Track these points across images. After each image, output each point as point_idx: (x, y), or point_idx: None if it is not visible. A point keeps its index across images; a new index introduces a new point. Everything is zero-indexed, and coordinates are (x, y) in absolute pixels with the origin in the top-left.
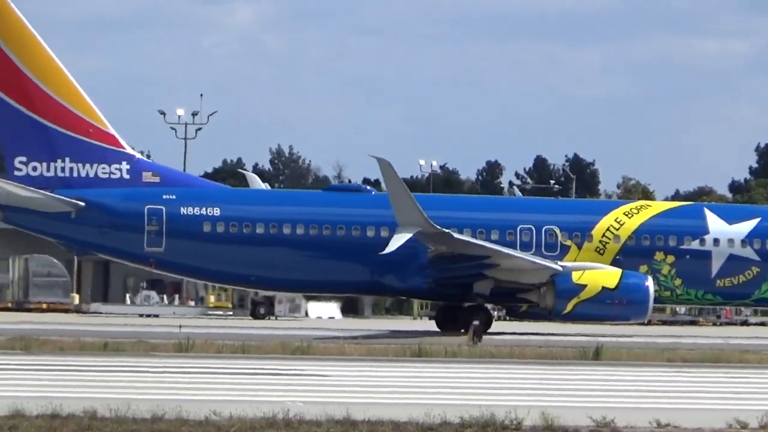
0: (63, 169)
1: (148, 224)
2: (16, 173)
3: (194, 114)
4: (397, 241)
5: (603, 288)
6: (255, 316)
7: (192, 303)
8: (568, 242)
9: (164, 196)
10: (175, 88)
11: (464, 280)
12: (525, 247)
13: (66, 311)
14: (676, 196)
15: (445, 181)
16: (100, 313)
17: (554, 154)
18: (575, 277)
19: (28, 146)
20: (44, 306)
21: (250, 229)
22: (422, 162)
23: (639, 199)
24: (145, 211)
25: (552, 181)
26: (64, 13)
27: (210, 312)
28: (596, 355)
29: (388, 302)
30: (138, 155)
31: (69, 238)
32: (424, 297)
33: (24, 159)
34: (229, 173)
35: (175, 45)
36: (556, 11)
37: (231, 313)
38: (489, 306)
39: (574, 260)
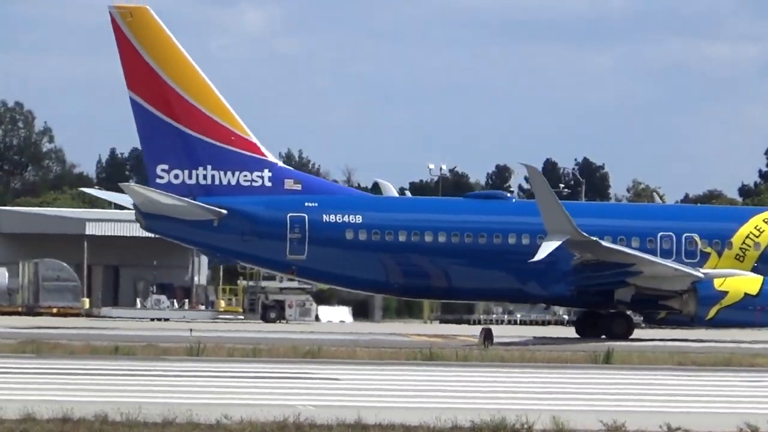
0: (205, 177)
1: (290, 232)
2: (158, 181)
3: None
4: (546, 248)
5: (745, 294)
6: (266, 319)
7: (202, 307)
8: (708, 249)
9: (306, 204)
10: None
11: (606, 288)
12: (665, 254)
13: (76, 315)
14: (685, 200)
15: (454, 184)
16: (111, 317)
17: (564, 158)
18: (717, 283)
19: (170, 154)
20: (54, 310)
21: (392, 237)
22: (432, 166)
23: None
24: (288, 219)
25: (561, 185)
26: (76, 16)
27: (221, 316)
28: (607, 358)
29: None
30: (280, 163)
31: (211, 246)
32: (566, 304)
33: (165, 167)
34: None
35: (184, 47)
36: (567, 15)
37: (242, 317)
38: (629, 312)
39: (714, 267)
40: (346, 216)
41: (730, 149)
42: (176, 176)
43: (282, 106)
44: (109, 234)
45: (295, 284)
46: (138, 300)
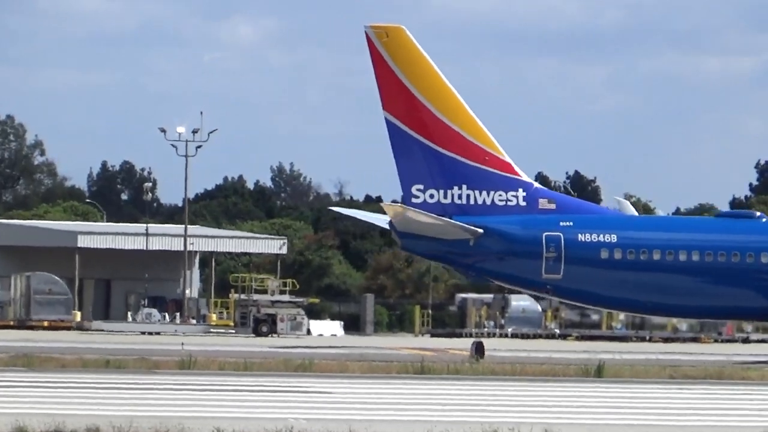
0: (460, 197)
1: (546, 251)
2: (413, 201)
3: (195, 131)
4: None
5: None
6: (257, 333)
7: (194, 321)
8: None
9: (561, 223)
10: (177, 105)
11: None
12: None
13: (68, 329)
14: (677, 214)
15: None
16: (102, 330)
17: (556, 171)
18: None
19: (426, 174)
20: (46, 324)
21: (646, 256)
22: None
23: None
24: (543, 238)
25: None
26: (67, 30)
27: (212, 330)
28: (598, 372)
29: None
30: (536, 184)
31: (466, 265)
32: None
33: (421, 187)
34: (231, 190)
35: (176, 61)
36: (560, 28)
37: (233, 330)
38: None
39: None
40: (601, 235)
41: (722, 162)
42: (431, 196)
43: (273, 118)
44: (101, 247)
45: (286, 298)
46: (129, 313)
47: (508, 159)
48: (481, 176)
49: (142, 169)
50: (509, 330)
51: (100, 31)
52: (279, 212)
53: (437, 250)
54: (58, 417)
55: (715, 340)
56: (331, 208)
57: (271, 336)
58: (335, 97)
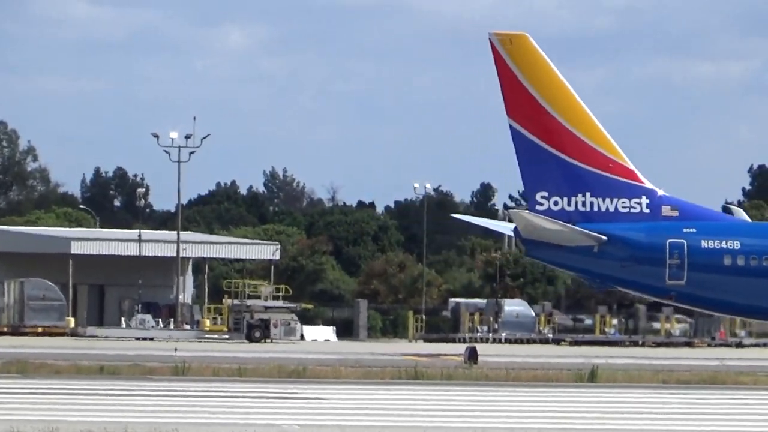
0: (584, 204)
1: (669, 258)
2: (538, 208)
3: (188, 137)
4: None
5: None
6: (251, 339)
7: (187, 326)
8: None
9: (684, 230)
10: (169, 111)
11: None
12: None
13: (62, 335)
14: None
15: (439, 203)
16: (96, 336)
17: None
18: None
19: (550, 181)
20: (40, 330)
21: None
22: (416, 185)
23: None
24: (667, 244)
25: None
26: (60, 36)
27: (206, 336)
28: (592, 377)
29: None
30: (660, 191)
31: (590, 272)
32: None
33: (545, 194)
34: (224, 196)
35: (168, 68)
36: (553, 33)
37: (227, 336)
38: None
39: None
40: (724, 242)
41: (714, 167)
42: (556, 203)
43: (266, 124)
44: (95, 253)
45: (279, 303)
46: (123, 319)
47: (631, 166)
48: (605, 183)
49: (135, 175)
50: (503, 335)
51: (92, 38)
52: (272, 218)
53: (561, 257)
54: (52, 423)
55: (708, 345)
56: (454, 215)
57: (265, 341)
58: (327, 102)
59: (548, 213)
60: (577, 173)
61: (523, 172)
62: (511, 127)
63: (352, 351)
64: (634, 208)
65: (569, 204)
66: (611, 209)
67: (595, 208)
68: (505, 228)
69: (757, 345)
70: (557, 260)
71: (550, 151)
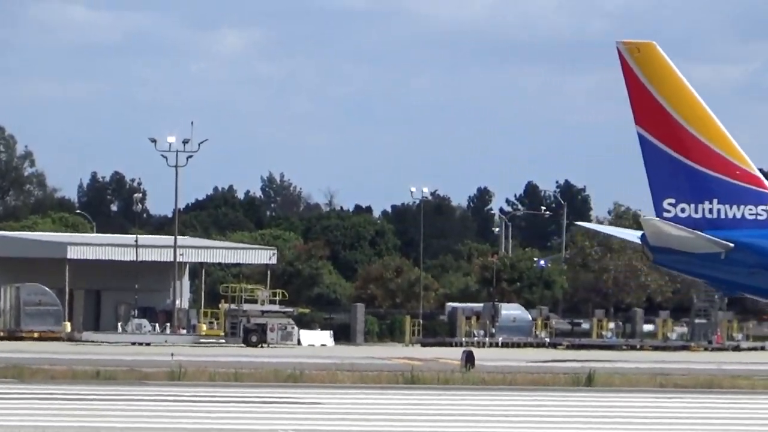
0: (710, 211)
1: None
2: (665, 215)
3: (185, 141)
4: None
5: None
6: (247, 343)
7: (184, 331)
8: None
9: None
10: (166, 115)
11: None
12: None
13: (58, 340)
14: None
15: (436, 207)
16: (92, 341)
17: (545, 180)
18: None
19: (677, 188)
20: (36, 335)
21: None
22: (413, 189)
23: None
24: None
25: (543, 208)
26: (57, 40)
27: (202, 340)
28: (589, 381)
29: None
30: None
31: (717, 279)
32: None
33: (672, 201)
34: (221, 201)
35: (165, 72)
36: (549, 37)
37: (223, 340)
38: None
39: None
40: None
41: None
42: (683, 210)
43: (263, 129)
44: (91, 258)
45: (276, 307)
46: (119, 324)
47: (757, 173)
48: (732, 190)
49: (132, 180)
50: (500, 339)
51: (89, 42)
52: (269, 222)
53: (688, 264)
54: (49, 429)
55: (705, 349)
56: (577, 223)
57: (261, 346)
58: (324, 106)
59: (675, 220)
60: (704, 180)
61: (650, 179)
62: (638, 134)
63: (348, 355)
64: (761, 215)
65: (696, 211)
66: (738, 216)
67: (722, 215)
68: (633, 236)
69: (754, 348)
70: (684, 267)
71: (677, 158)
